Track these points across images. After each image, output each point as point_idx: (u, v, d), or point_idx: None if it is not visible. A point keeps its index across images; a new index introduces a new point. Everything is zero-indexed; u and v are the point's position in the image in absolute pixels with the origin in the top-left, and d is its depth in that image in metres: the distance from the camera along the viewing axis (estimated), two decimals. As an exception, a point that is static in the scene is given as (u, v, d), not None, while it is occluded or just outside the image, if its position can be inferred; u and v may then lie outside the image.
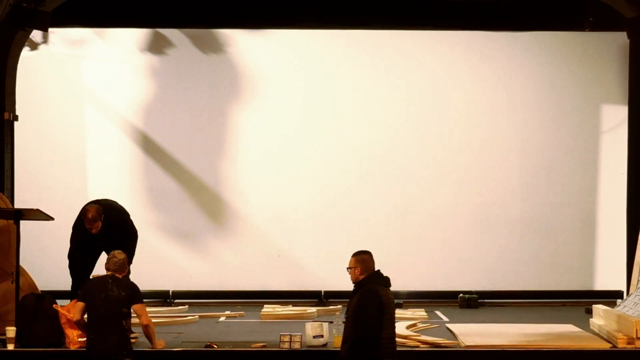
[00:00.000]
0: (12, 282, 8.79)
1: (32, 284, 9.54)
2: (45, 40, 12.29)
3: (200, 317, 10.59)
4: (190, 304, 11.78)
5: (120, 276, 7.56)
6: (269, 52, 12.42)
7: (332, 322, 8.37)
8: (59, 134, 12.39)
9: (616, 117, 12.17)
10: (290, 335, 8.12)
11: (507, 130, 12.33)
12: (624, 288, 11.17)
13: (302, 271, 12.17)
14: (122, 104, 12.43)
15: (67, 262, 9.23)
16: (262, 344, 8.22)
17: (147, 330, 7.86)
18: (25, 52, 10.58)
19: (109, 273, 7.54)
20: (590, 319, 9.37)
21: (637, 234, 9.81)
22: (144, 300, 7.94)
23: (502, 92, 12.37)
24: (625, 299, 9.36)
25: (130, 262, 8.52)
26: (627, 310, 8.76)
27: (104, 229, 8.82)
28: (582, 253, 12.11)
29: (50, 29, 10.71)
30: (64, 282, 11.43)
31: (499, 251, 12.20)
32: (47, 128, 12.33)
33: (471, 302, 11.66)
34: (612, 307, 9.20)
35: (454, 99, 12.34)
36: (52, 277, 10.32)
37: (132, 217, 12.40)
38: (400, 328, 8.74)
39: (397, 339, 6.61)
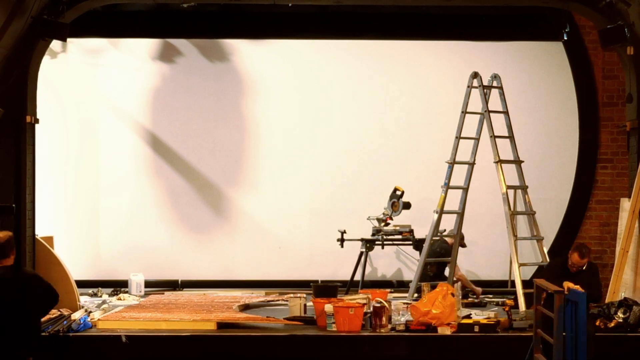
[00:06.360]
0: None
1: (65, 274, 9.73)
2: (64, 49, 12.44)
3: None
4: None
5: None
6: (270, 59, 12.57)
7: None
8: (77, 136, 12.53)
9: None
10: None
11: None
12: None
13: (301, 262, 12.32)
14: (134, 108, 12.57)
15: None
16: None
17: None
18: (46, 60, 10.69)
19: None
20: None
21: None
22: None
23: (486, 97, 12.49)
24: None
25: None
26: None
27: None
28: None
29: (68, 39, 10.82)
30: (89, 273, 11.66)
31: (484, 244, 12.29)
32: (65, 130, 12.48)
33: (457, 291, 11.79)
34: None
35: (441, 103, 12.45)
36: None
37: (144, 213, 12.59)
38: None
39: None
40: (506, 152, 10.72)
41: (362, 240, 11.56)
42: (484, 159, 12.45)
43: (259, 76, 12.54)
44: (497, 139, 10.38)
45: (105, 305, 9.88)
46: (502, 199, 10.38)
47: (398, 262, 12.43)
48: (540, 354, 6.10)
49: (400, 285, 12.13)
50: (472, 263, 12.25)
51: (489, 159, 11.85)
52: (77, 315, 8.73)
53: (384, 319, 8.42)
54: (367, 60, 12.53)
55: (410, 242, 11.64)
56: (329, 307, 8.55)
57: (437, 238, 10.86)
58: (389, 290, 10.75)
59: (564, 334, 5.95)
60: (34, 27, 9.50)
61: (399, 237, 11.59)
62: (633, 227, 9.52)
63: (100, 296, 11.46)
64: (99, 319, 8.74)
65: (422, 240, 11.56)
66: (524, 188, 10.41)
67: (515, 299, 9.88)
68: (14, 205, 9.59)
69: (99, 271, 12.37)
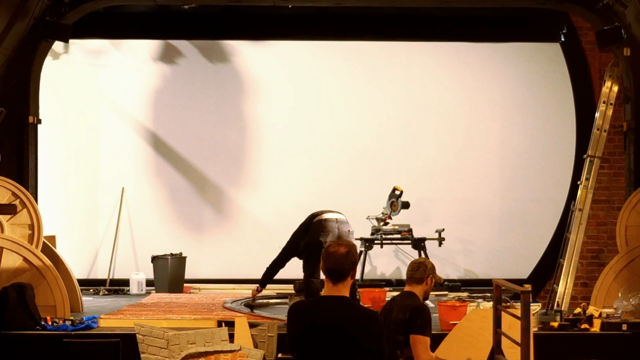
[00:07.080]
0: None
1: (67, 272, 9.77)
2: (66, 50, 12.48)
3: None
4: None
5: None
6: (271, 60, 12.61)
7: None
8: (78, 136, 12.56)
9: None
10: None
11: (488, 133, 12.50)
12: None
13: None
14: (135, 109, 12.60)
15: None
16: None
17: None
18: (48, 61, 10.73)
19: None
20: None
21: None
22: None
23: (483, 98, 12.54)
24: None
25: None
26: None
27: None
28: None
29: (70, 40, 10.85)
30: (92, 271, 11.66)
31: (480, 243, 12.32)
32: (67, 130, 12.51)
33: (454, 289, 11.81)
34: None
35: (439, 104, 12.51)
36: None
37: (143, 213, 12.58)
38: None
39: None
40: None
41: (361, 239, 11.58)
42: (482, 158, 12.53)
43: (260, 77, 12.58)
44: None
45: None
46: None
47: (397, 261, 12.46)
48: (501, 355, 5.93)
49: (399, 284, 12.16)
50: (470, 262, 12.29)
51: (488, 157, 11.93)
52: None
53: None
54: (367, 60, 12.56)
55: (409, 242, 11.68)
56: None
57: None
58: (388, 289, 10.78)
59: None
60: (37, 29, 9.55)
61: (398, 236, 11.64)
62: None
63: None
64: (100, 317, 8.78)
65: (421, 240, 11.61)
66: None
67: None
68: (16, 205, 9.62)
69: (100, 270, 12.41)
